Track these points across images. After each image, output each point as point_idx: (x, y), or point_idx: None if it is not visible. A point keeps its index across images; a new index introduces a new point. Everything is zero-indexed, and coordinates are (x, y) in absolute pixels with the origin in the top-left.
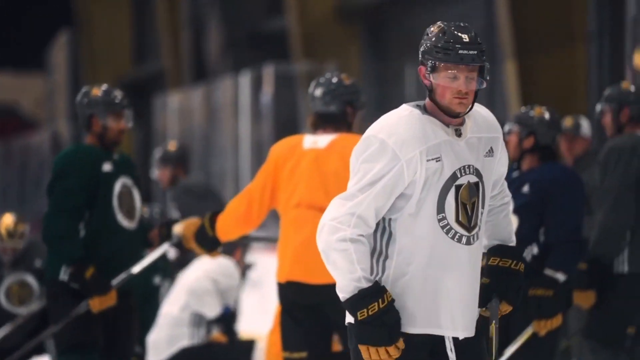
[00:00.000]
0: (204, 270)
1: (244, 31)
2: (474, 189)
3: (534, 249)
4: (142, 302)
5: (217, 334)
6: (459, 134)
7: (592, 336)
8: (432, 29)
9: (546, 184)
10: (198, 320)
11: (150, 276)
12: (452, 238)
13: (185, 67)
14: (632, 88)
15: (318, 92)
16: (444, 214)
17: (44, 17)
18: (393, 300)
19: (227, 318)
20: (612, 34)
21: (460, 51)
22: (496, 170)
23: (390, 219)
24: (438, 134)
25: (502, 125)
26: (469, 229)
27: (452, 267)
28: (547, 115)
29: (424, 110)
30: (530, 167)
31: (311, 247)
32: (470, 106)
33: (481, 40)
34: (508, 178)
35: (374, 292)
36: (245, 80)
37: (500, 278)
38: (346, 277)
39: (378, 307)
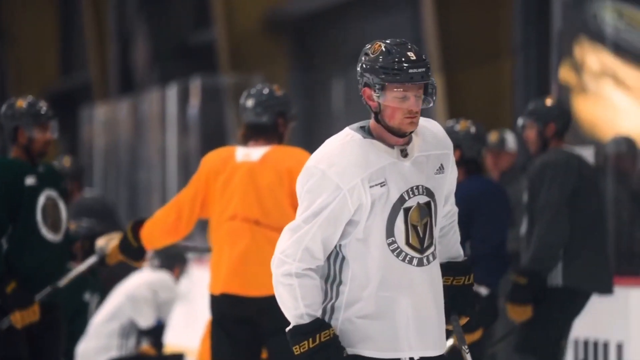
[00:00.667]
0: (145, 280)
1: (171, 43)
2: (425, 210)
3: None
4: (72, 318)
5: (146, 346)
6: (404, 154)
7: (525, 350)
8: (372, 48)
9: (471, 198)
10: (127, 331)
11: (80, 292)
12: (404, 261)
13: (112, 79)
14: (551, 103)
15: (249, 102)
16: (393, 238)
17: None
18: (332, 339)
19: (158, 331)
20: (538, 47)
21: (410, 70)
22: (447, 186)
23: (341, 245)
24: (381, 157)
25: None
26: (421, 250)
27: (406, 289)
28: (472, 129)
29: (367, 132)
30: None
31: (248, 259)
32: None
33: (426, 56)
34: None
35: (309, 330)
36: (172, 92)
37: (456, 297)
38: (290, 312)
39: (308, 347)
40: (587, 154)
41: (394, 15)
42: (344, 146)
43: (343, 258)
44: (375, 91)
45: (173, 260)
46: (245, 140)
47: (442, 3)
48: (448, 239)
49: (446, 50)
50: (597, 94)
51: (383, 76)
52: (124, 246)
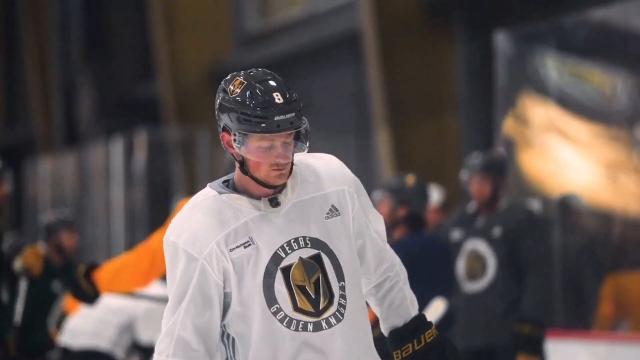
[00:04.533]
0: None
1: (116, 96)
2: (313, 264)
3: None
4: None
5: None
6: (275, 204)
7: None
8: (231, 85)
9: (409, 255)
10: (124, 330)
11: (48, 283)
12: (297, 329)
13: (57, 132)
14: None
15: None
16: (277, 305)
17: None
18: None
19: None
20: (482, 101)
21: (277, 117)
22: (357, 229)
23: (224, 324)
24: (242, 213)
25: (370, 192)
26: (316, 313)
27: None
28: (419, 185)
29: (231, 186)
30: (399, 237)
31: None
32: (289, 172)
33: (296, 95)
34: None
35: None
36: (117, 145)
37: None
38: None
39: None
40: (535, 206)
41: (339, 69)
42: (194, 209)
43: (233, 338)
44: (235, 139)
45: None
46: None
47: (386, 58)
48: (392, 300)
49: (391, 105)
50: (542, 146)
51: (244, 124)
52: (77, 292)
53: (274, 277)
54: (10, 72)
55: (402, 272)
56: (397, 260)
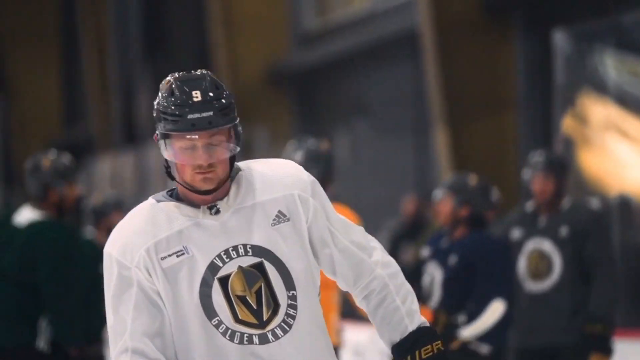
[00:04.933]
0: None
1: None
2: (255, 273)
3: (463, 319)
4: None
5: None
6: (215, 211)
7: None
8: (161, 86)
9: (472, 255)
10: None
11: (95, 265)
12: (242, 343)
13: (115, 131)
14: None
15: (297, 156)
16: (218, 318)
17: None
18: None
19: None
20: (541, 99)
21: (190, 115)
22: (318, 237)
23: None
24: (177, 221)
25: (430, 191)
26: (261, 325)
27: None
28: (482, 185)
29: (172, 195)
30: (460, 237)
31: None
32: (223, 177)
33: (227, 92)
34: (435, 247)
35: None
36: None
37: None
38: None
39: None
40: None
41: (397, 68)
42: (130, 217)
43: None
44: (158, 141)
45: None
46: None
47: (444, 57)
48: (383, 314)
49: (450, 103)
50: (601, 145)
51: (162, 124)
52: None
53: (211, 288)
54: (69, 72)
55: (394, 283)
56: (389, 271)
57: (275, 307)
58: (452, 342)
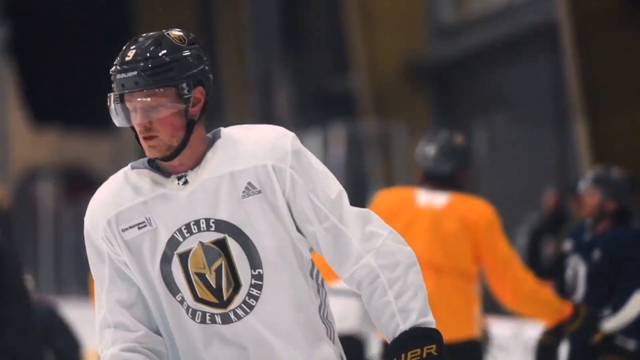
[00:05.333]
0: None
1: (311, 90)
2: (214, 251)
3: (607, 312)
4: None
5: None
6: (184, 182)
7: None
8: None
9: (618, 250)
10: None
11: None
12: (204, 322)
13: None
14: None
15: (431, 150)
16: (181, 294)
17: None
18: None
19: None
20: None
21: (119, 75)
22: (300, 211)
23: None
24: (142, 191)
25: (571, 185)
26: (220, 304)
27: (217, 356)
28: (629, 179)
29: (151, 163)
30: (603, 230)
31: (433, 304)
32: (173, 144)
33: (171, 51)
34: (578, 240)
35: None
36: (314, 139)
37: None
38: None
39: None
40: None
41: (536, 61)
42: (101, 188)
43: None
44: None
45: None
46: (422, 186)
47: (584, 49)
48: (375, 310)
49: (590, 96)
50: None
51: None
52: None
53: (171, 263)
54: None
55: (387, 275)
56: (384, 261)
57: (236, 286)
58: (595, 335)
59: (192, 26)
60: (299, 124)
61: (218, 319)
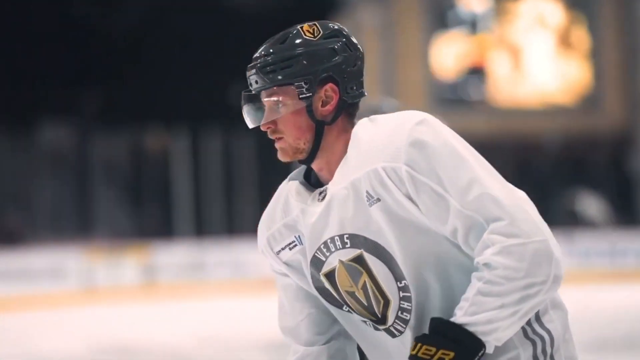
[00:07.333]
0: None
1: None
2: (355, 268)
3: None
4: None
5: None
6: (323, 197)
7: None
8: None
9: None
10: None
11: None
12: (376, 329)
13: None
14: None
15: None
16: (347, 307)
17: None
18: None
19: None
20: None
21: (247, 73)
22: (431, 211)
23: None
24: (289, 208)
25: None
26: (379, 321)
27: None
28: None
29: (300, 172)
30: None
31: None
32: (300, 146)
33: (288, 47)
34: None
35: None
36: None
37: None
38: None
39: None
40: None
41: None
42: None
43: None
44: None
45: None
46: None
47: None
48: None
49: None
50: None
51: None
52: None
53: (323, 283)
54: None
55: (487, 270)
56: (492, 259)
57: (385, 302)
58: None
59: None
60: None
61: (387, 333)
